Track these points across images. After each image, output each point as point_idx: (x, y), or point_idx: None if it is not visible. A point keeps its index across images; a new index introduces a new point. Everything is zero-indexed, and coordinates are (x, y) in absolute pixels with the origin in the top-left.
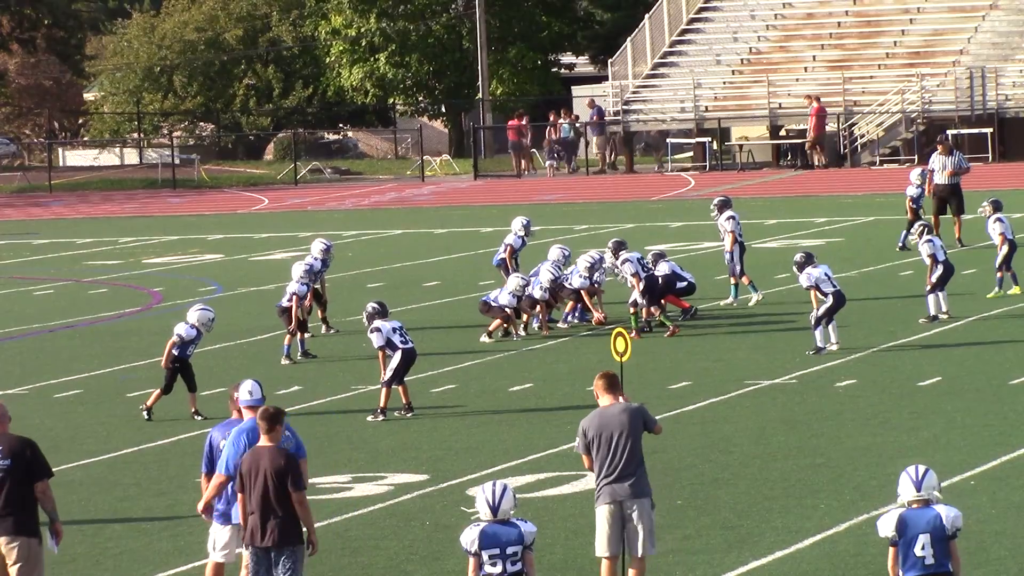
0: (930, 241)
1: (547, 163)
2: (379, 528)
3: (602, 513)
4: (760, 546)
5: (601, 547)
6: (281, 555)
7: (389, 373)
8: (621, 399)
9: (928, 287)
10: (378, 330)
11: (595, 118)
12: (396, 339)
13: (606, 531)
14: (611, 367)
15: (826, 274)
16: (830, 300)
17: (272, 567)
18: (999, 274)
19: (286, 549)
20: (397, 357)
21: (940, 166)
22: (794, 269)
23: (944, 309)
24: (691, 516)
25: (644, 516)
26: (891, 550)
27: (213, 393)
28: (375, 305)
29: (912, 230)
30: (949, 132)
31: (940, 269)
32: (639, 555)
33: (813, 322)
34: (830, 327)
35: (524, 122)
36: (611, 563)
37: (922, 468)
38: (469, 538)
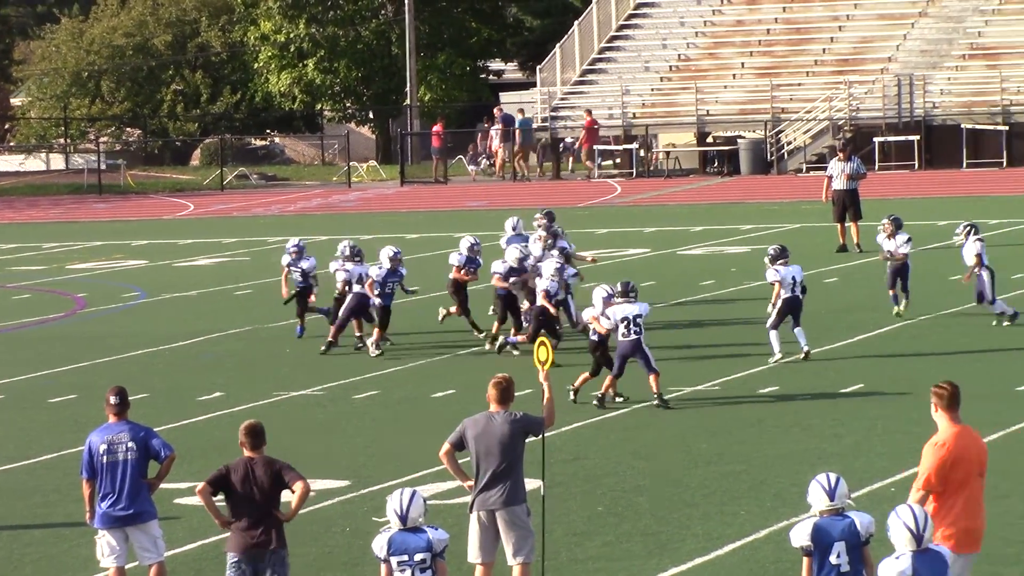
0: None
1: (470, 168)
2: (298, 534)
3: (474, 520)
4: (680, 552)
5: (473, 554)
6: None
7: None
8: (508, 409)
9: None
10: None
11: (501, 126)
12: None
13: (477, 538)
14: (531, 375)
15: (793, 277)
16: (778, 305)
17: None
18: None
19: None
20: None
21: (838, 171)
22: (765, 260)
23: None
24: (612, 523)
25: (515, 524)
26: (805, 560)
27: (135, 399)
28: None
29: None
30: (877, 139)
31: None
32: (510, 563)
33: (768, 325)
34: (796, 331)
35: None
36: (484, 569)
37: (833, 476)
38: (379, 544)
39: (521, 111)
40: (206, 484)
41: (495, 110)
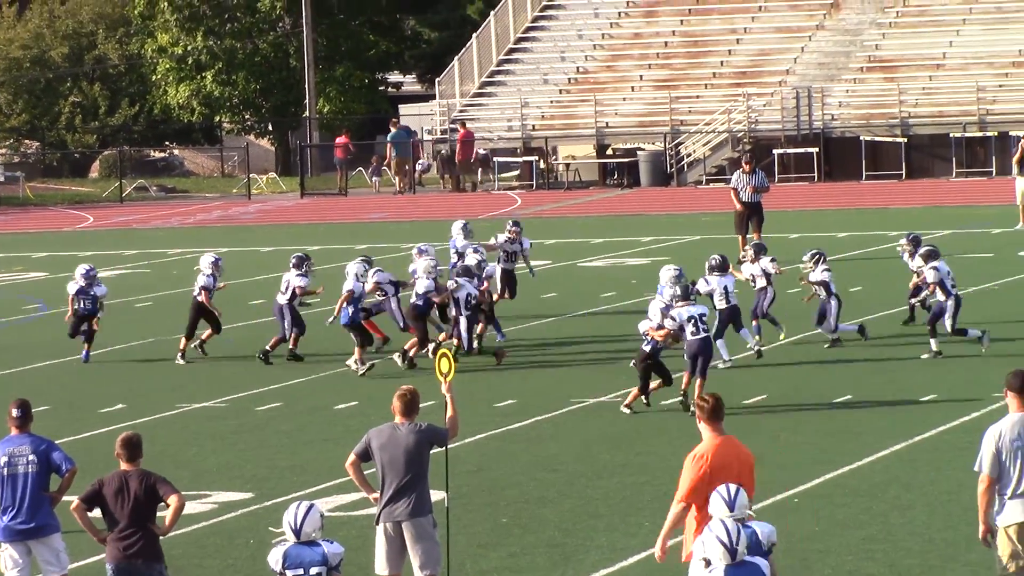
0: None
1: (372, 180)
2: (202, 546)
3: (380, 532)
4: (585, 564)
5: (380, 566)
6: None
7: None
8: (413, 421)
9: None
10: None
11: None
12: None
13: (384, 550)
14: (434, 386)
15: (725, 287)
16: (718, 316)
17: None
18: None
19: None
20: None
21: (744, 184)
22: (706, 267)
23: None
24: (516, 534)
25: (421, 536)
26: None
27: (36, 412)
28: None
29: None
30: (776, 152)
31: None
32: (417, 575)
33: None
34: (743, 332)
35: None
36: None
37: (733, 487)
38: (274, 558)
39: (394, 123)
40: (80, 501)
41: (390, 123)
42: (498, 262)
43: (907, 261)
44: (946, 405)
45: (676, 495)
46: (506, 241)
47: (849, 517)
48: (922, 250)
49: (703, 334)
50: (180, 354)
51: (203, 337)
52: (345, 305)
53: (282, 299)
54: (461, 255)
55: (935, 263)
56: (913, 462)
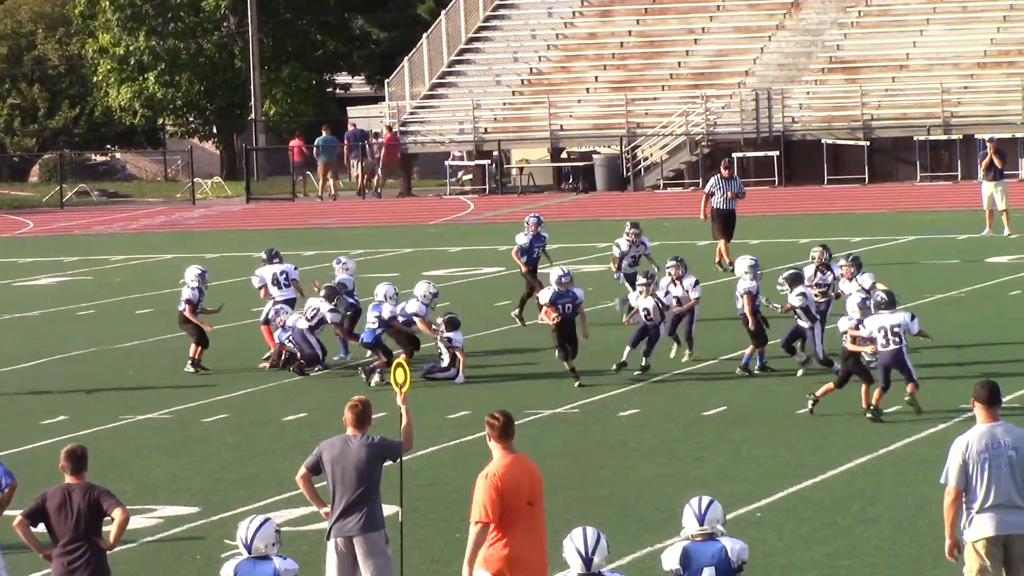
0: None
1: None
2: (149, 562)
3: (331, 547)
4: None
5: None
6: None
7: None
8: (366, 433)
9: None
10: None
11: (349, 141)
12: None
13: (335, 566)
14: (386, 398)
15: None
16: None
17: None
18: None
19: None
20: None
21: (721, 189)
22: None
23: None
24: None
25: (373, 551)
26: None
27: None
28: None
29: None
30: (735, 155)
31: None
32: None
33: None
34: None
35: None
36: None
37: (706, 500)
38: (225, 572)
39: (326, 128)
40: (23, 517)
41: (323, 127)
42: (618, 268)
43: (842, 282)
44: (911, 417)
45: (471, 516)
46: (630, 246)
47: (813, 531)
48: (787, 274)
49: (893, 346)
50: (190, 361)
51: (193, 354)
52: (375, 325)
53: (303, 323)
54: (527, 252)
55: (802, 289)
56: (878, 475)
